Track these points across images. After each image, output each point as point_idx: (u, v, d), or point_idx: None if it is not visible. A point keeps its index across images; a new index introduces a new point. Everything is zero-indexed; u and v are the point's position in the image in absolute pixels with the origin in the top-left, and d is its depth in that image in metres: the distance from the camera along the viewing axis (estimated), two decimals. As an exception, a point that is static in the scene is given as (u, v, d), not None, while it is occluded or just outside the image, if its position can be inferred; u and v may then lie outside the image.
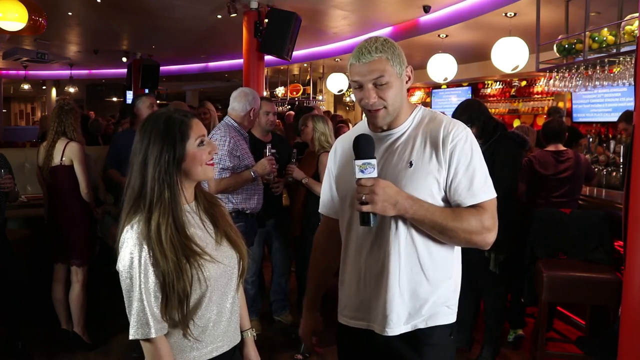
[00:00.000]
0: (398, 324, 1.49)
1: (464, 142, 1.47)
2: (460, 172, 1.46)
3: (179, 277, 1.33)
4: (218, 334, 1.45)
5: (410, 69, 1.54)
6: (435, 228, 1.44)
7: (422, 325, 1.50)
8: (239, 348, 1.56)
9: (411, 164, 1.47)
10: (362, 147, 1.41)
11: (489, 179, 1.50)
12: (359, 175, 1.39)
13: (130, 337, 1.33)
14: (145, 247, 1.32)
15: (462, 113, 3.11)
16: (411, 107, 1.59)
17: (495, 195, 1.50)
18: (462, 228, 1.43)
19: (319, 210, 1.77)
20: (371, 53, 1.46)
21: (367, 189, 1.37)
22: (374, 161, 1.39)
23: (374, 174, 1.39)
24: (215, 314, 1.44)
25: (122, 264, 1.33)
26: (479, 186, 1.46)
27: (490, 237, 1.47)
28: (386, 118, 1.51)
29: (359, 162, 1.39)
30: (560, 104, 8.32)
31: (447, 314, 1.54)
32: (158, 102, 6.46)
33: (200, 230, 1.45)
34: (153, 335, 1.32)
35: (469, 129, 1.52)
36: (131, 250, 1.32)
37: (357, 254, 1.56)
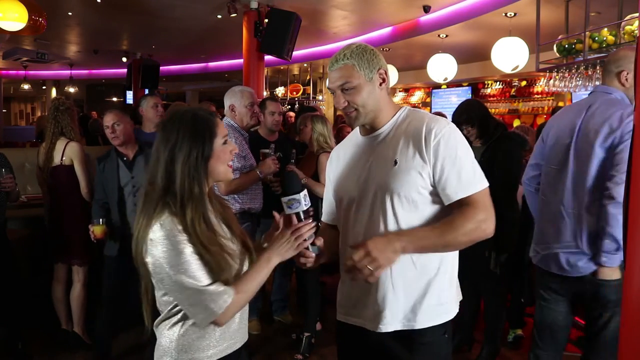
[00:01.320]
0: (392, 321, 1.51)
1: (448, 137, 1.48)
2: (447, 167, 1.46)
3: (222, 265, 1.36)
4: (232, 331, 1.48)
5: (383, 70, 1.55)
6: (438, 248, 1.47)
7: (416, 326, 1.51)
8: (245, 347, 1.58)
9: (395, 162, 1.50)
10: (286, 184, 1.44)
11: (477, 170, 1.50)
12: (287, 211, 1.42)
13: (203, 327, 1.38)
14: (186, 241, 1.33)
15: (462, 113, 3.11)
16: (395, 108, 1.61)
17: (485, 185, 1.50)
18: (461, 233, 1.44)
19: (322, 219, 1.78)
20: (338, 61, 1.52)
21: (366, 259, 1.36)
22: (298, 196, 1.42)
23: (302, 208, 1.42)
24: None
25: (156, 262, 1.34)
26: (467, 179, 1.47)
27: (489, 228, 1.48)
28: (359, 119, 1.56)
29: (284, 199, 1.43)
30: (561, 104, 8.31)
31: (442, 313, 1.54)
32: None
33: (220, 229, 1.47)
34: (221, 311, 1.34)
35: (452, 124, 1.53)
36: (167, 247, 1.33)
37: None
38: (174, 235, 1.33)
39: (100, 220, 2.88)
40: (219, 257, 1.36)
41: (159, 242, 1.33)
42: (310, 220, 1.46)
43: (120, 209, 2.97)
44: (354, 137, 1.68)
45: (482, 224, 1.46)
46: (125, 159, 3.02)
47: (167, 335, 1.43)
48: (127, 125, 3.03)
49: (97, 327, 3.17)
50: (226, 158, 1.45)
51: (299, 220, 1.45)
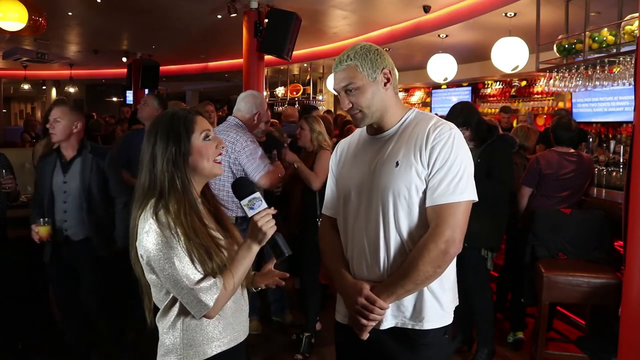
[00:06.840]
0: (390, 318, 1.51)
1: (445, 141, 1.47)
2: (433, 172, 1.46)
3: (208, 258, 1.37)
4: (236, 324, 1.50)
5: (388, 70, 1.54)
6: (415, 288, 1.47)
7: (416, 326, 1.51)
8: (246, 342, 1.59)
9: (397, 164, 1.50)
10: (239, 188, 1.44)
11: (465, 180, 1.47)
12: (250, 213, 1.41)
13: (197, 318, 1.39)
14: (177, 234, 1.34)
15: (459, 116, 3.10)
16: (403, 110, 1.60)
17: (469, 198, 1.48)
18: (428, 262, 1.43)
19: (322, 212, 1.77)
20: (342, 62, 1.53)
21: (365, 319, 1.49)
22: (257, 194, 1.42)
23: (264, 206, 1.41)
24: (232, 302, 1.48)
25: (150, 255, 1.35)
26: (452, 187, 1.45)
27: (454, 246, 1.45)
28: (365, 120, 1.56)
29: (244, 202, 1.42)
30: (560, 104, 8.32)
31: (441, 316, 1.54)
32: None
33: (210, 224, 1.48)
34: (213, 303, 1.36)
35: (456, 131, 1.51)
36: (160, 241, 1.34)
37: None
38: (167, 229, 1.35)
39: (46, 220, 2.65)
40: (207, 246, 1.37)
41: (153, 235, 1.35)
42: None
43: (49, 211, 2.72)
44: (361, 135, 1.68)
45: (450, 243, 1.44)
46: (62, 160, 2.79)
47: (170, 334, 1.45)
48: (70, 123, 2.71)
49: (65, 337, 3.01)
50: (210, 153, 1.46)
51: None
